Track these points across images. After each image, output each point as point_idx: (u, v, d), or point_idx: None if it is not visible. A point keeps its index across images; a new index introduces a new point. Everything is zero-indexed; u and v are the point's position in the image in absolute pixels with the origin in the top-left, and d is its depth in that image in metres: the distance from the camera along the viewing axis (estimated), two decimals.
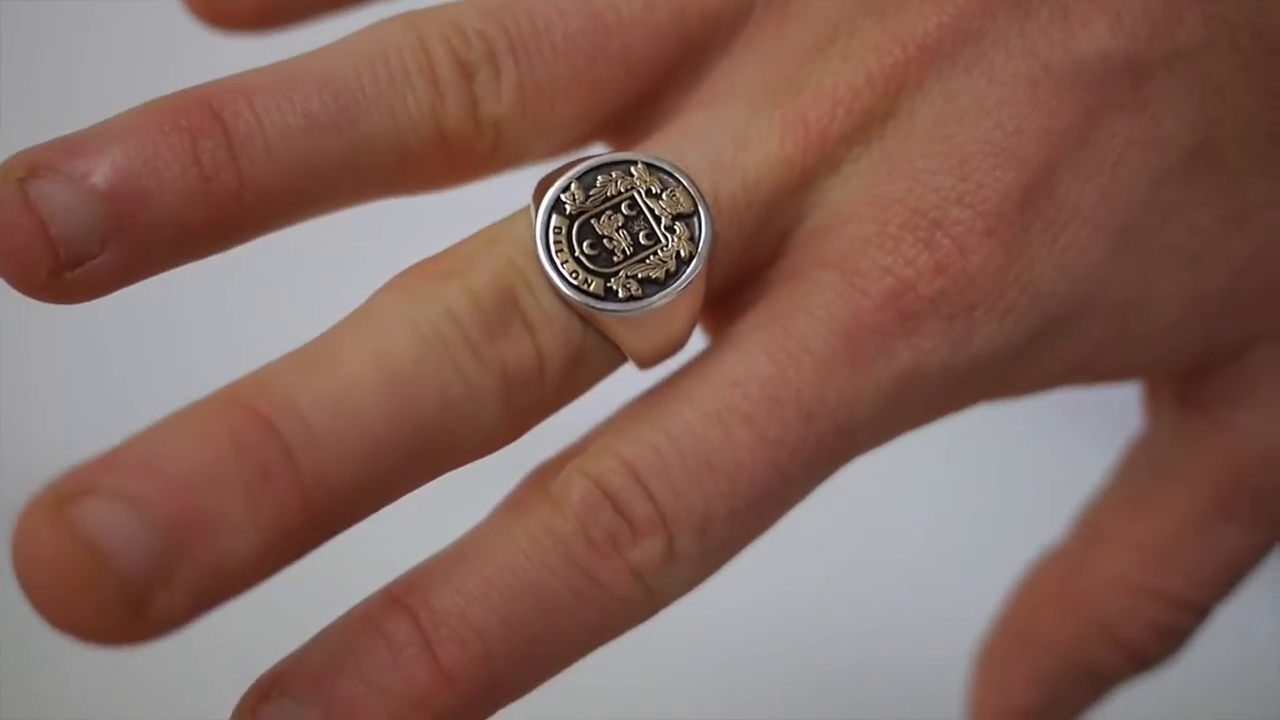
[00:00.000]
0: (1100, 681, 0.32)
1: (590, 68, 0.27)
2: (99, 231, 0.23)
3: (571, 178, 0.26)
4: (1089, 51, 0.27)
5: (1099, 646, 0.31)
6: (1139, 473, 0.31)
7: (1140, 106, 0.27)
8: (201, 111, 0.24)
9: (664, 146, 0.26)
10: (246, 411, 0.22)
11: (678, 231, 0.25)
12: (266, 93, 0.25)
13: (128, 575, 0.20)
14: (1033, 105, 0.26)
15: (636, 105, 0.28)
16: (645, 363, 0.26)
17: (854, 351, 0.26)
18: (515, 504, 0.26)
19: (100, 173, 0.23)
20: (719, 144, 0.26)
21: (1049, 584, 0.32)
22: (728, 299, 0.27)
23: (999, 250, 0.26)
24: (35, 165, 0.23)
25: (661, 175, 0.26)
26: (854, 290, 0.26)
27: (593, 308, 0.25)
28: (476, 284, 0.25)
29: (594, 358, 0.26)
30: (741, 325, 0.26)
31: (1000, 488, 0.44)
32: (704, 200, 0.26)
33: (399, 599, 0.24)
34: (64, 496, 0.20)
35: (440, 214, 0.29)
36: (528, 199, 0.26)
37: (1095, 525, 0.32)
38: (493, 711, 0.24)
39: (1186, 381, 0.30)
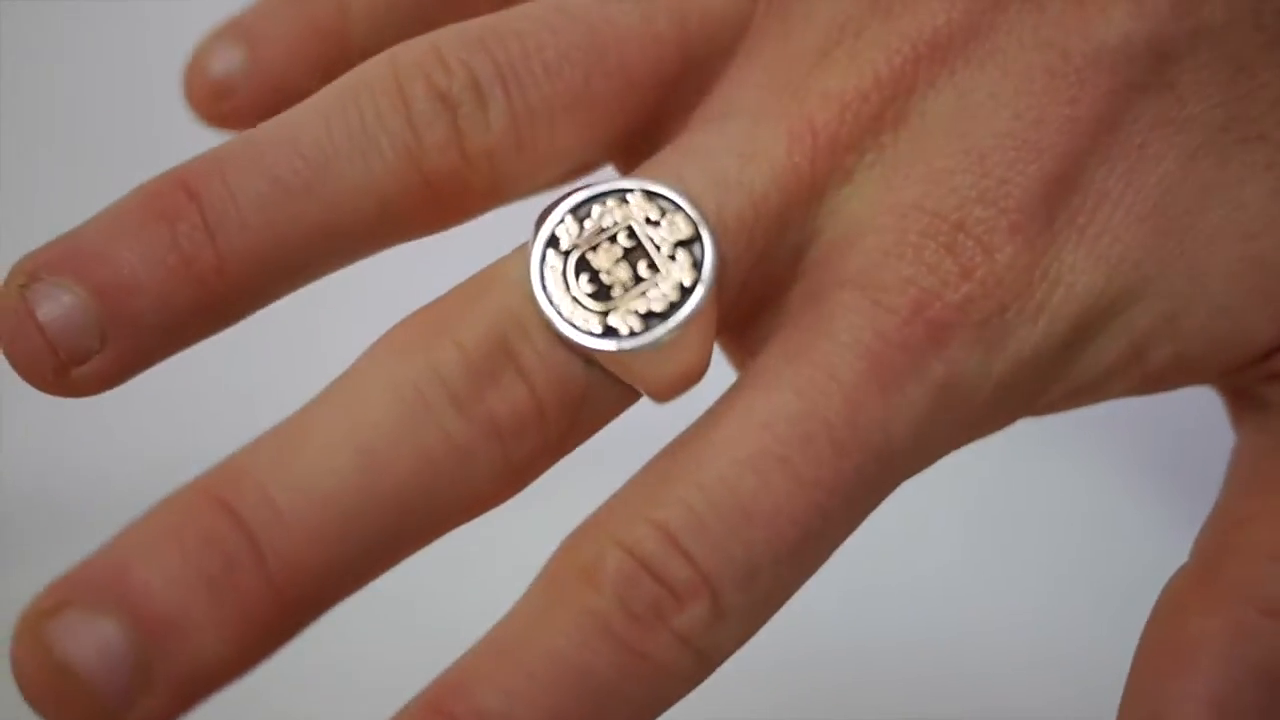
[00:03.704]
0: None
1: (587, 86, 0.26)
2: (95, 329, 0.24)
3: (565, 210, 0.25)
4: (1109, 36, 0.26)
5: (1268, 632, 0.26)
6: (1257, 464, 0.29)
7: (1166, 87, 0.26)
8: (178, 193, 0.24)
9: (664, 168, 0.25)
10: (213, 503, 0.22)
11: (679, 260, 0.24)
12: (238, 163, 0.25)
13: (102, 692, 0.21)
14: (1052, 94, 0.25)
15: (640, 122, 0.27)
16: (661, 396, 0.25)
17: (883, 373, 0.24)
18: (548, 582, 0.24)
19: (90, 271, 0.24)
20: (723, 160, 0.25)
21: (1188, 591, 0.27)
22: (750, 325, 0.26)
23: (1025, 247, 0.25)
24: (35, 270, 0.24)
25: (660, 201, 0.25)
26: (877, 308, 0.25)
27: (592, 348, 0.24)
28: (466, 336, 0.24)
29: (601, 396, 0.25)
30: (765, 359, 0.25)
31: (1005, 498, 0.44)
32: (706, 224, 0.24)
33: (444, 709, 0.23)
34: (42, 613, 0.21)
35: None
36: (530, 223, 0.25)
37: (1225, 523, 0.28)
38: None
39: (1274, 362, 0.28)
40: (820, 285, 0.25)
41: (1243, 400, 0.29)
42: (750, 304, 0.26)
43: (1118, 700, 0.27)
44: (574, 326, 0.24)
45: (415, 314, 0.25)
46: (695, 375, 0.25)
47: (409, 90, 0.25)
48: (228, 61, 0.30)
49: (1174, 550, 0.29)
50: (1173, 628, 0.27)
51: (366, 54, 0.29)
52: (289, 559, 0.22)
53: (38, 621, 0.21)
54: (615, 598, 0.23)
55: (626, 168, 0.28)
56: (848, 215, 0.26)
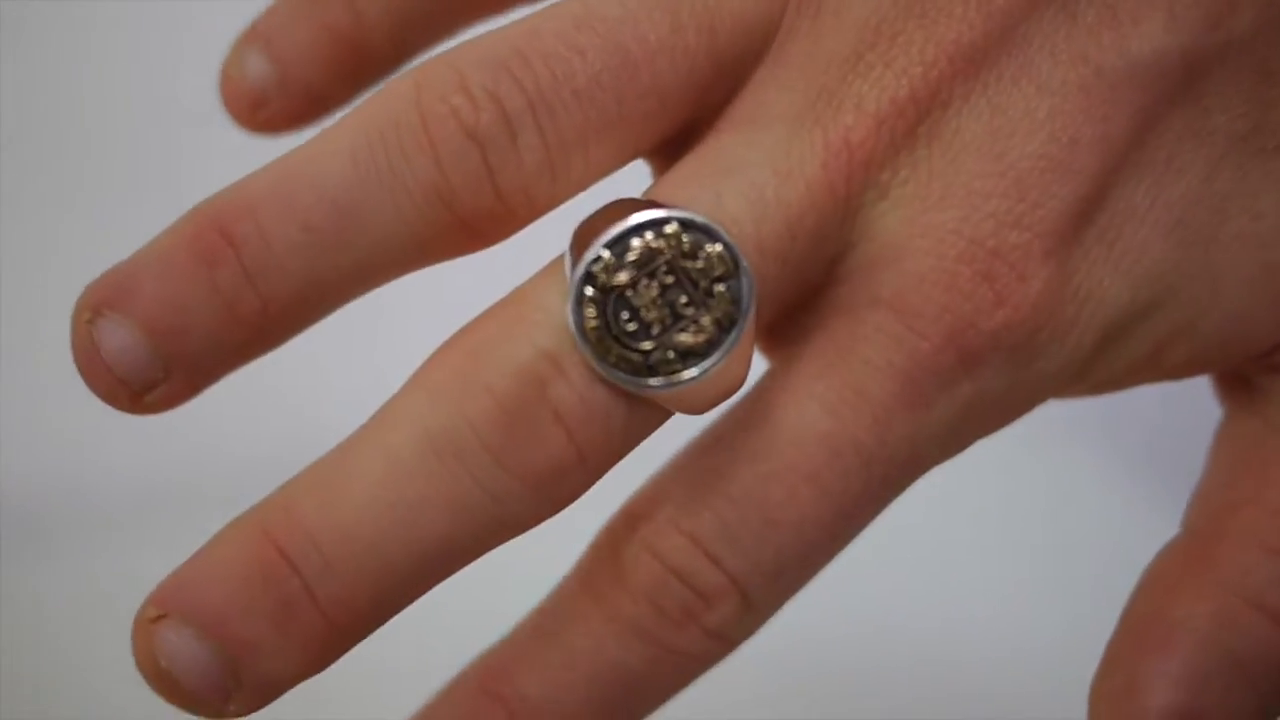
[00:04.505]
0: (1260, 673, 0.27)
1: (620, 107, 0.25)
2: (158, 363, 0.25)
3: (602, 244, 0.24)
4: (1143, 51, 0.26)
5: (1249, 623, 0.27)
6: (1248, 446, 0.29)
7: (1193, 99, 0.26)
8: (213, 236, 0.25)
9: (701, 187, 0.25)
10: (269, 545, 0.24)
11: (718, 295, 0.24)
12: (268, 207, 0.25)
13: (201, 694, 0.24)
14: (1086, 113, 0.25)
15: (673, 131, 0.26)
16: (699, 413, 0.25)
17: (913, 394, 0.25)
18: (585, 580, 0.26)
19: (143, 313, 0.25)
20: (759, 177, 0.25)
21: (1178, 569, 0.28)
22: (781, 321, 0.27)
23: (1058, 270, 0.25)
24: (97, 305, 0.25)
25: (697, 233, 0.24)
26: (910, 332, 0.25)
27: (632, 386, 0.24)
28: (500, 383, 0.24)
29: (638, 424, 0.25)
30: (795, 370, 0.26)
31: (990, 488, 0.44)
32: (745, 257, 0.24)
33: (490, 690, 0.26)
34: (147, 620, 0.24)
35: None
36: None
37: (1220, 504, 0.29)
38: None
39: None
40: (853, 300, 0.26)
41: (1235, 381, 0.29)
42: (785, 307, 0.26)
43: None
44: (615, 368, 0.24)
45: (448, 346, 0.25)
46: (733, 391, 0.25)
47: (435, 129, 0.25)
48: (257, 71, 0.30)
49: (1150, 538, 0.29)
50: (1158, 604, 0.28)
51: (387, 55, 0.30)
52: (339, 599, 0.24)
53: (145, 628, 0.24)
54: (649, 602, 0.25)
55: (658, 164, 0.28)
56: (882, 232, 0.26)
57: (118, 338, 0.25)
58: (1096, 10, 0.26)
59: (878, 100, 0.25)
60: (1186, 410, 0.32)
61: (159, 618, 0.24)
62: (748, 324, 0.24)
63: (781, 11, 0.26)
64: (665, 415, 0.25)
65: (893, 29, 0.26)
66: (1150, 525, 0.30)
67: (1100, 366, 0.27)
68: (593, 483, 0.25)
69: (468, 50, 0.25)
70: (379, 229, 0.25)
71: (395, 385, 0.25)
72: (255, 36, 0.31)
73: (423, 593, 0.25)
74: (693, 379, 0.24)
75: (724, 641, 0.26)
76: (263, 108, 0.30)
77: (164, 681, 0.24)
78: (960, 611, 0.43)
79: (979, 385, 0.25)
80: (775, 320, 0.27)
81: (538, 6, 0.26)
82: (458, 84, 0.25)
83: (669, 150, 0.27)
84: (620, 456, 0.25)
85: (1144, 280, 0.26)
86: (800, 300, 0.26)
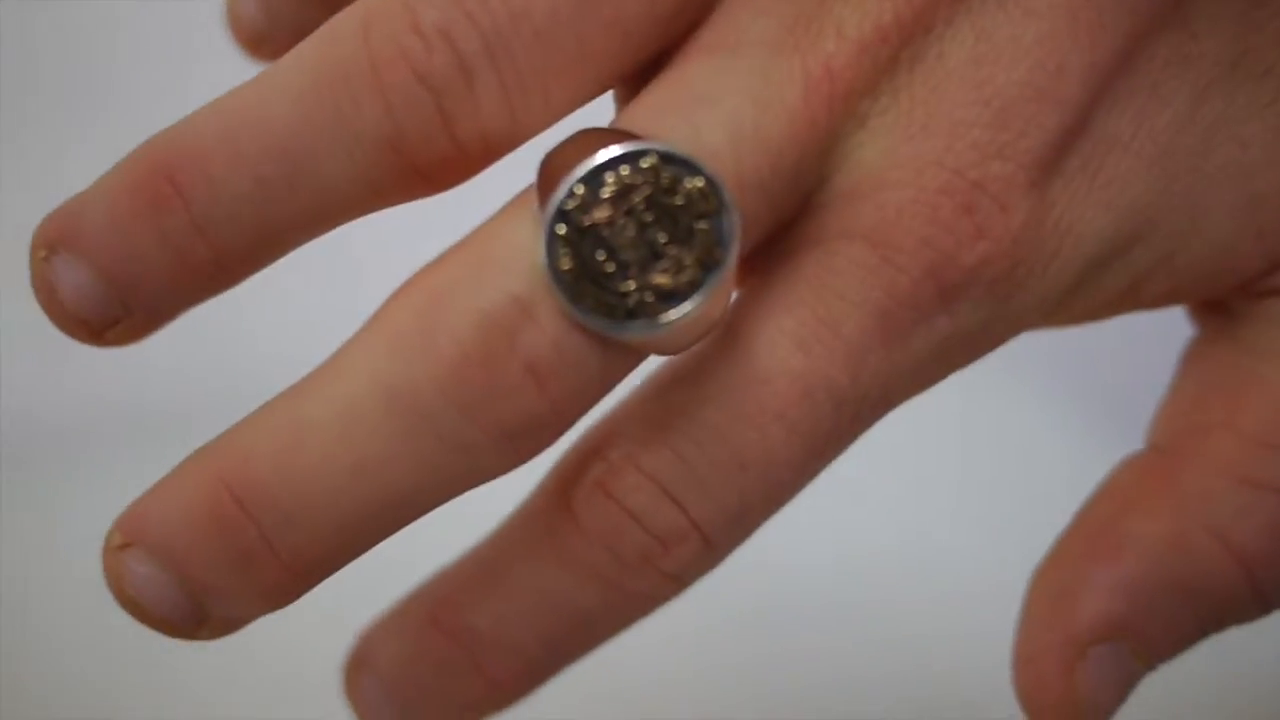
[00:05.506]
0: (1204, 601, 0.26)
1: (582, 45, 0.24)
2: (116, 302, 0.24)
3: (575, 180, 0.23)
4: None
5: (1204, 550, 0.26)
6: (1220, 368, 0.28)
7: (1180, 24, 0.25)
8: (159, 183, 0.24)
9: (677, 118, 0.24)
10: (226, 493, 0.23)
11: (698, 233, 0.23)
12: (215, 155, 0.24)
13: (166, 618, 0.24)
14: (1074, 38, 0.24)
15: (639, 63, 0.25)
16: (675, 354, 0.25)
17: (889, 330, 0.24)
18: (537, 516, 0.25)
19: (96, 256, 0.24)
20: (737, 108, 0.24)
21: (1140, 481, 0.27)
22: (754, 252, 0.25)
23: (1040, 201, 0.25)
24: (51, 243, 0.24)
25: (677, 167, 0.23)
26: (888, 265, 0.24)
27: (610, 330, 0.23)
28: (466, 331, 0.23)
29: (614, 368, 0.24)
30: (768, 305, 0.25)
31: (984, 461, 0.44)
32: (728, 193, 0.23)
33: (440, 622, 0.26)
34: (115, 548, 0.24)
35: None
36: None
37: (1188, 424, 0.28)
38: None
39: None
40: (828, 232, 0.25)
41: (1211, 303, 0.29)
42: (760, 244, 0.25)
43: None
44: (592, 312, 0.23)
45: (409, 288, 0.24)
46: (711, 330, 0.24)
47: (386, 73, 0.23)
48: (248, 10, 0.31)
49: (1100, 467, 0.29)
50: (1114, 513, 0.27)
51: None
52: (297, 549, 0.24)
53: (114, 555, 0.24)
54: (604, 546, 0.25)
55: (623, 90, 0.26)
56: (860, 164, 0.25)
57: (73, 277, 0.24)
58: None
59: (859, 26, 0.24)
60: (1142, 337, 0.32)
61: (125, 545, 0.24)
62: (731, 263, 0.23)
63: None
64: (641, 358, 0.24)
65: None
66: (1100, 455, 0.30)
67: (1078, 299, 0.26)
68: (565, 431, 0.24)
69: None
70: (330, 176, 0.24)
71: (362, 308, 0.24)
72: None
73: (386, 537, 0.24)
74: (675, 321, 0.23)
75: (680, 582, 0.25)
76: (265, 43, 0.31)
77: (133, 607, 0.24)
78: (909, 540, 0.42)
79: (956, 320, 0.25)
80: (747, 252, 0.25)
81: None
82: (409, 23, 0.23)
83: (635, 76, 0.25)
84: (594, 403, 0.24)
85: (1126, 212, 0.26)
86: (775, 232, 0.25)
